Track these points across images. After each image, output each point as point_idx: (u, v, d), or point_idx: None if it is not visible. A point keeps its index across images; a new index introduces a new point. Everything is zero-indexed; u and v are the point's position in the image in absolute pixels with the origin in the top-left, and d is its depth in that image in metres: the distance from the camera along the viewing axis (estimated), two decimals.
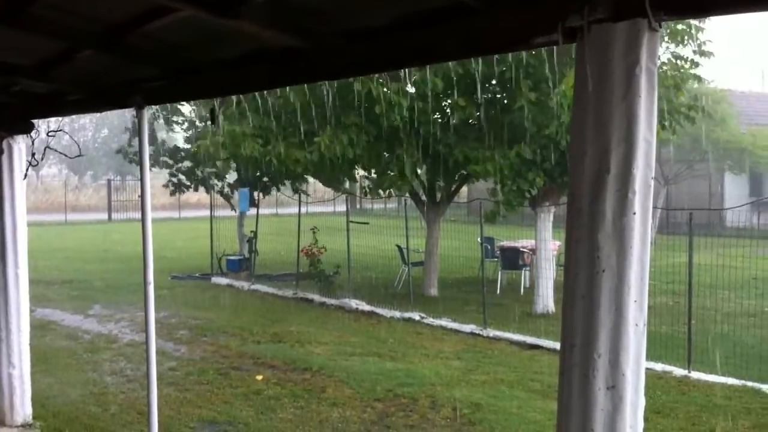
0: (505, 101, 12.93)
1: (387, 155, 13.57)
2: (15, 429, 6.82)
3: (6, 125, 6.51)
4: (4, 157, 6.58)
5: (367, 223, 16.68)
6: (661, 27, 2.41)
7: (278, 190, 19.28)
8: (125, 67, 4.89)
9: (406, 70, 11.55)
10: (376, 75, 11.72)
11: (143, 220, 5.45)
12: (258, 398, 8.34)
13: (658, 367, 9.26)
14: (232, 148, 14.05)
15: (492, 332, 11.51)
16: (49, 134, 6.62)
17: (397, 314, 12.96)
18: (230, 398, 8.33)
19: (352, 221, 15.46)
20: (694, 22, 12.19)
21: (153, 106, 16.74)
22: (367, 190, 15.80)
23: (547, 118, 11.84)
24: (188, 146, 21.05)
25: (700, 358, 9.69)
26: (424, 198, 15.58)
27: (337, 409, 7.95)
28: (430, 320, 12.51)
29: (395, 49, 3.46)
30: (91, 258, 21.72)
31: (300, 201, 16.78)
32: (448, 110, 13.62)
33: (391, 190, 14.54)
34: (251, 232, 17.85)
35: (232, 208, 19.81)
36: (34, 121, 6.55)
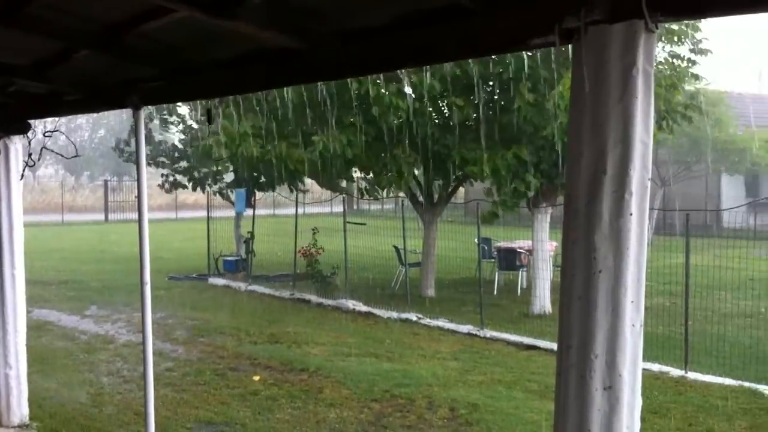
0: (503, 102, 12.94)
1: (384, 156, 13.58)
2: (12, 429, 6.81)
3: (2, 125, 6.50)
4: (1, 157, 6.58)
5: (365, 224, 16.68)
6: (657, 28, 2.41)
7: (273, 190, 19.28)
8: (122, 68, 4.89)
9: (404, 70, 11.57)
10: (374, 76, 11.74)
11: (140, 220, 5.45)
12: (255, 399, 8.33)
13: (655, 367, 9.28)
14: (233, 147, 14.06)
15: (489, 333, 11.51)
16: (46, 135, 6.61)
17: (394, 315, 12.96)
18: (227, 399, 8.33)
19: (349, 222, 15.46)
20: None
21: (148, 107, 16.71)
22: (365, 191, 15.82)
23: (544, 119, 11.86)
24: (181, 147, 21.04)
25: (697, 359, 9.71)
26: (421, 199, 15.58)
27: (334, 410, 7.95)
28: (427, 321, 12.51)
29: (392, 50, 3.46)
30: (87, 259, 21.70)
31: (297, 202, 16.77)
32: (445, 111, 13.64)
33: (389, 189, 14.56)
34: (248, 232, 17.85)
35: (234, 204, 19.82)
36: (31, 121, 6.54)
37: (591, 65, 2.44)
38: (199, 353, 10.56)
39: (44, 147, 6.35)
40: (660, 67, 12.61)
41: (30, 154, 6.61)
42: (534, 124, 12.07)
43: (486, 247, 15.97)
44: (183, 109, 20.79)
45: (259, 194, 19.69)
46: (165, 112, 20.49)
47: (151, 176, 20.63)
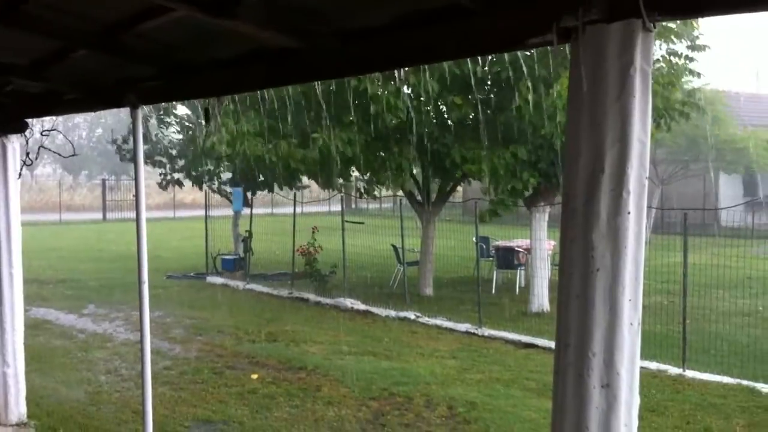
0: (501, 101, 12.94)
1: (384, 154, 13.58)
2: (9, 428, 6.81)
3: (0, 125, 6.49)
4: None
5: (363, 223, 16.69)
6: (655, 27, 2.42)
7: (271, 191, 19.28)
8: (120, 67, 4.88)
9: (403, 70, 11.56)
10: (373, 75, 11.73)
11: (138, 219, 5.44)
12: (253, 397, 8.34)
13: (653, 365, 9.30)
14: (235, 145, 14.08)
15: (487, 331, 11.53)
16: (43, 134, 6.61)
17: (393, 313, 12.97)
18: (225, 397, 8.33)
19: (347, 221, 15.46)
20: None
21: (146, 106, 16.69)
22: (363, 191, 15.83)
23: (542, 118, 11.86)
24: (179, 146, 21.01)
25: (695, 357, 9.73)
26: (419, 198, 15.59)
27: (332, 408, 7.96)
28: (425, 319, 12.53)
29: (391, 49, 3.46)
30: (85, 257, 21.70)
31: (295, 201, 16.77)
32: (444, 110, 13.64)
33: (388, 185, 14.58)
34: (246, 231, 17.84)
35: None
36: (28, 120, 6.54)
37: (589, 64, 2.44)
38: (197, 352, 10.56)
39: (42, 146, 6.35)
40: (657, 65, 12.61)
41: (28, 153, 6.61)
42: (532, 123, 12.07)
43: (484, 246, 15.98)
44: (180, 109, 20.78)
45: (258, 193, 19.69)
46: (162, 112, 20.47)
47: (149, 175, 20.69)
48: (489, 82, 13.14)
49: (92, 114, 54.03)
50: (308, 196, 24.47)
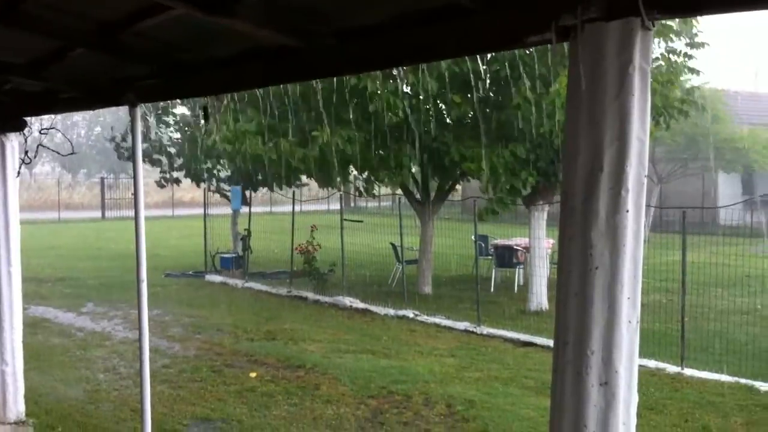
0: (500, 99, 12.95)
1: (383, 152, 13.59)
2: (8, 426, 6.80)
3: None
4: None
5: (362, 221, 16.70)
6: (654, 26, 2.42)
7: (272, 189, 19.28)
8: (118, 66, 4.88)
9: (402, 69, 11.56)
10: (372, 73, 11.74)
11: (136, 217, 5.44)
12: (251, 395, 8.34)
13: (652, 364, 9.30)
14: (237, 144, 14.09)
15: (486, 329, 11.54)
16: (42, 132, 6.60)
17: (391, 312, 12.98)
18: (224, 395, 8.34)
19: (346, 219, 15.47)
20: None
21: (144, 106, 16.70)
22: (362, 190, 15.83)
23: (541, 117, 11.86)
24: (178, 144, 21.00)
25: (694, 355, 9.74)
26: (418, 196, 15.60)
27: (330, 406, 7.97)
28: (424, 318, 12.53)
29: (390, 48, 3.46)
30: (84, 256, 21.69)
31: (294, 199, 16.77)
32: (443, 108, 13.64)
33: (387, 184, 14.59)
34: (245, 230, 17.85)
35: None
36: (27, 118, 6.53)
37: (587, 63, 2.44)
38: (196, 350, 10.56)
39: (40, 144, 6.34)
40: (656, 63, 12.62)
41: (26, 152, 6.60)
42: (531, 121, 12.07)
43: (483, 245, 15.99)
44: (178, 108, 20.76)
45: (257, 192, 19.70)
46: (160, 111, 20.46)
47: (147, 173, 20.67)
48: (488, 81, 13.14)
49: (91, 112, 54.01)
50: (307, 194, 24.51)
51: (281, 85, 11.63)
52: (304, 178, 18.29)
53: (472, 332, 11.55)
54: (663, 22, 11.76)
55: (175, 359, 10.01)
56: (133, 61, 4.64)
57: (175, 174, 20.82)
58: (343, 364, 9.63)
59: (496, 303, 13.72)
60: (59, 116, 46.06)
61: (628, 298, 2.47)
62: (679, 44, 12.93)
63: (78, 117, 61.51)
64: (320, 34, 3.58)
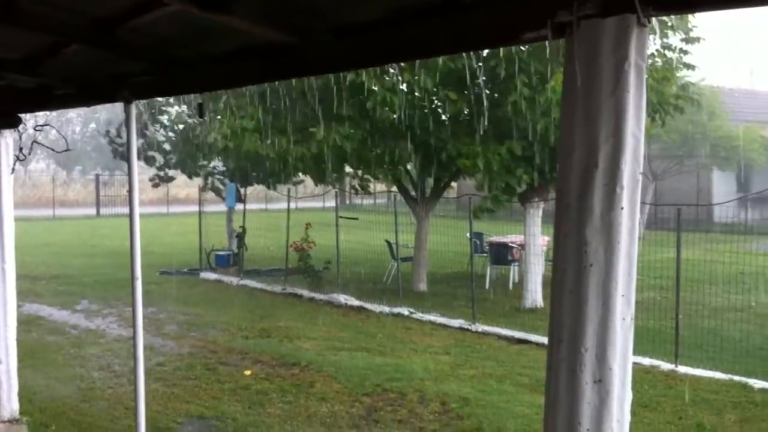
0: (496, 96, 12.95)
1: (379, 149, 13.59)
2: (2, 424, 6.79)
3: None
4: None
5: (357, 219, 16.70)
6: (650, 22, 2.42)
7: (268, 187, 19.27)
8: (113, 62, 4.86)
9: (398, 67, 11.58)
10: (369, 70, 11.75)
11: (131, 214, 5.43)
12: (246, 393, 8.34)
13: (646, 361, 9.32)
14: (236, 140, 14.09)
15: (481, 327, 11.54)
16: (37, 129, 6.58)
17: (386, 309, 12.98)
18: (218, 393, 8.33)
19: (341, 217, 15.47)
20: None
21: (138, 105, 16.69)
22: (357, 187, 15.83)
23: (537, 114, 11.86)
24: (173, 141, 20.96)
25: (688, 353, 9.76)
26: (413, 193, 15.60)
27: (325, 404, 7.96)
28: (419, 315, 12.53)
29: (386, 44, 3.45)
30: (78, 253, 21.65)
31: (289, 196, 16.76)
32: (439, 105, 13.64)
33: (382, 180, 14.61)
34: (240, 227, 17.83)
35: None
36: (22, 115, 6.51)
37: (583, 59, 2.44)
38: (191, 348, 10.55)
39: (35, 141, 6.32)
40: (652, 59, 12.63)
41: (21, 148, 6.58)
42: (527, 118, 12.07)
43: (478, 242, 15.99)
44: (173, 109, 20.72)
45: (250, 188, 19.68)
46: (155, 110, 20.41)
47: (142, 171, 20.64)
48: (484, 78, 13.14)
49: (86, 109, 53.97)
50: (302, 191, 24.49)
51: (278, 83, 11.67)
52: (301, 175, 18.30)
53: (467, 329, 11.55)
54: (658, 19, 11.78)
55: (170, 357, 10.00)
56: (128, 57, 4.63)
57: (170, 172, 20.77)
58: (338, 362, 9.63)
59: (491, 300, 13.73)
60: (54, 113, 45.97)
61: (623, 295, 2.47)
62: (674, 39, 12.94)
63: (73, 113, 61.37)
64: (316, 30, 3.57)
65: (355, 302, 13.62)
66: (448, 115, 13.53)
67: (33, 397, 7.82)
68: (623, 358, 2.50)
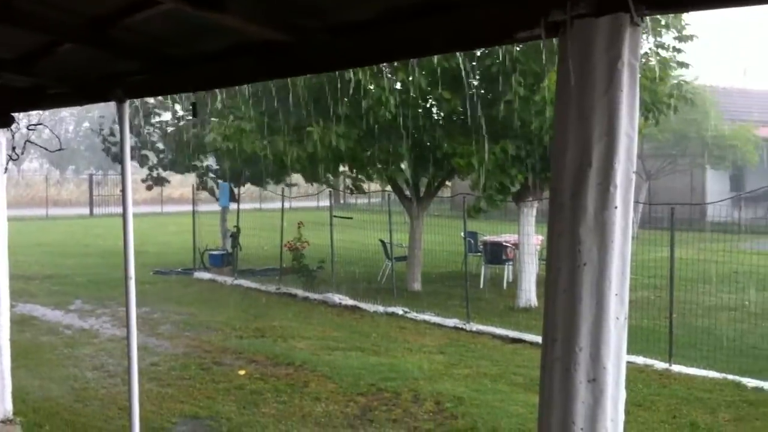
0: (490, 95, 12.95)
1: (373, 149, 13.59)
2: None
3: None
4: None
5: (351, 218, 16.69)
6: (643, 21, 2.42)
7: (260, 186, 19.23)
8: (106, 61, 4.85)
9: (392, 66, 11.57)
10: (364, 69, 11.74)
11: (124, 214, 5.42)
12: (240, 393, 8.32)
13: (640, 360, 9.33)
14: (234, 140, 14.07)
15: (475, 326, 11.55)
16: (30, 128, 6.56)
17: (381, 309, 12.98)
18: (212, 393, 8.31)
19: (335, 216, 15.46)
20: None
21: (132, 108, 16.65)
22: (352, 187, 15.81)
23: (531, 114, 11.87)
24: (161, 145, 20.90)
25: (682, 352, 9.78)
26: (407, 193, 15.59)
27: (320, 404, 7.95)
28: (413, 314, 12.53)
29: (381, 43, 3.45)
30: (72, 253, 21.59)
31: (283, 196, 16.74)
32: (433, 104, 13.65)
33: (376, 179, 14.61)
34: (234, 226, 17.80)
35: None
36: (15, 114, 6.49)
37: (576, 58, 2.44)
38: (185, 348, 10.53)
39: (28, 140, 6.30)
40: (645, 57, 12.64)
41: (14, 148, 6.56)
42: (522, 118, 12.08)
43: (472, 241, 16.01)
44: (166, 113, 20.68)
45: (246, 189, 19.67)
46: (151, 114, 20.35)
47: (136, 171, 20.59)
48: (479, 77, 13.15)
49: (79, 108, 53.86)
50: (296, 191, 24.45)
51: (274, 82, 11.66)
52: (294, 177, 18.28)
53: (462, 329, 11.55)
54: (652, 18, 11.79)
55: (164, 357, 9.98)
56: (121, 56, 4.62)
57: (164, 173, 20.70)
58: (332, 362, 9.62)
59: (485, 300, 13.73)
60: (47, 112, 45.86)
61: (616, 294, 2.47)
62: (668, 38, 12.95)
63: (66, 113, 61.23)
64: (311, 28, 3.57)
65: (350, 302, 13.61)
66: (442, 114, 13.53)
67: (26, 398, 7.79)
68: (617, 357, 2.50)
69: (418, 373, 9.10)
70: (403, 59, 9.82)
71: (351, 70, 11.31)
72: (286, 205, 16.73)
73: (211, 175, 20.23)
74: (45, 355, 10.05)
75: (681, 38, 13.00)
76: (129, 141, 5.46)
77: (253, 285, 15.81)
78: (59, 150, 7.59)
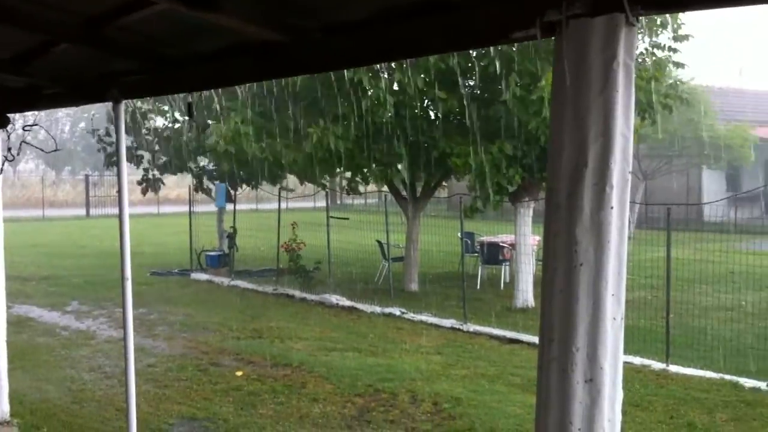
0: (486, 96, 12.95)
1: (370, 149, 13.59)
2: None
3: None
4: None
5: (347, 219, 16.68)
6: (638, 22, 2.42)
7: (255, 188, 19.21)
8: (102, 61, 4.84)
9: (391, 66, 11.58)
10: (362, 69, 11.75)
11: (121, 215, 5.41)
12: (238, 394, 8.31)
13: (637, 360, 9.34)
14: (235, 142, 14.07)
15: (472, 327, 11.55)
16: (25, 129, 6.55)
17: (378, 309, 12.97)
18: (210, 394, 8.30)
19: (332, 217, 15.45)
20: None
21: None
22: (349, 188, 15.80)
23: (527, 114, 11.87)
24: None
25: (679, 352, 9.78)
26: (404, 193, 15.59)
27: (317, 405, 7.95)
28: (410, 315, 12.53)
29: (377, 43, 3.45)
30: (68, 254, 21.57)
31: (280, 197, 16.74)
32: (430, 104, 13.65)
33: (373, 180, 14.61)
34: (231, 227, 17.79)
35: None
36: (10, 115, 6.48)
37: (572, 58, 2.44)
38: (182, 349, 10.52)
39: (24, 141, 6.29)
40: (641, 57, 12.65)
41: (9, 149, 6.55)
42: (518, 118, 12.08)
43: (469, 242, 16.01)
44: (158, 120, 20.65)
45: (242, 189, 19.65)
46: (148, 116, 20.30)
47: (132, 172, 20.56)
48: (475, 77, 13.15)
49: (75, 108, 53.78)
50: (293, 192, 24.43)
51: (273, 83, 11.66)
52: (290, 180, 18.24)
53: (459, 329, 11.55)
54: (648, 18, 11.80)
55: (161, 358, 9.96)
56: (117, 56, 4.61)
57: (159, 174, 20.64)
58: (330, 362, 9.61)
59: (482, 300, 13.73)
60: (43, 112, 45.77)
61: (613, 294, 2.47)
62: (663, 38, 12.96)
63: (62, 113, 61.09)
64: (307, 28, 3.57)
65: (347, 302, 13.61)
66: (439, 114, 13.53)
67: (24, 399, 7.78)
68: (614, 358, 2.50)
69: (415, 374, 9.10)
70: (399, 59, 9.82)
71: (350, 70, 11.33)
72: (283, 205, 16.72)
73: (207, 176, 20.19)
74: (42, 356, 10.03)
75: (677, 38, 13.01)
76: (125, 141, 5.45)
77: (250, 286, 15.80)
78: (55, 151, 7.54)
